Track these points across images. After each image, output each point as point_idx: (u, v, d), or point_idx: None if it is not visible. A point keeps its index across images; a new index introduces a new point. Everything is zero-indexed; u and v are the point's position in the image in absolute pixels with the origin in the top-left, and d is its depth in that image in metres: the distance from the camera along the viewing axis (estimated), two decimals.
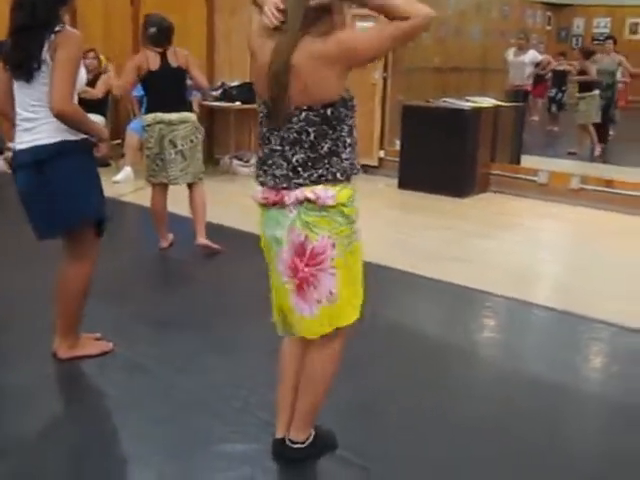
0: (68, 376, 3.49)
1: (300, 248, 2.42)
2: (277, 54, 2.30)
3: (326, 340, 2.57)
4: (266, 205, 2.49)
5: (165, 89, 5.18)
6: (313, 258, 2.42)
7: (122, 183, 7.65)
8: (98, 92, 8.28)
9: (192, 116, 5.27)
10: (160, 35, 5.13)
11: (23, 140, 3.22)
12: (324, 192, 2.37)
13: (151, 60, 5.14)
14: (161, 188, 5.40)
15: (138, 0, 9.15)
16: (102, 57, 8.83)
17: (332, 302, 2.47)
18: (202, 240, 5.31)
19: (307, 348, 2.63)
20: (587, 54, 10.26)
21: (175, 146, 5.21)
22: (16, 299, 4.34)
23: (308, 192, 2.37)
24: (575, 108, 10.38)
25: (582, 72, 10.09)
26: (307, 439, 2.69)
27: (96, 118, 7.59)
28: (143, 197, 7.15)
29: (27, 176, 3.23)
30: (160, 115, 5.19)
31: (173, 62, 5.13)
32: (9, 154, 7.93)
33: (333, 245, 2.42)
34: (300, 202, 2.39)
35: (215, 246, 5.31)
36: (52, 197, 3.21)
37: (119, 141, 8.55)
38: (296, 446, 2.68)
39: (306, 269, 2.44)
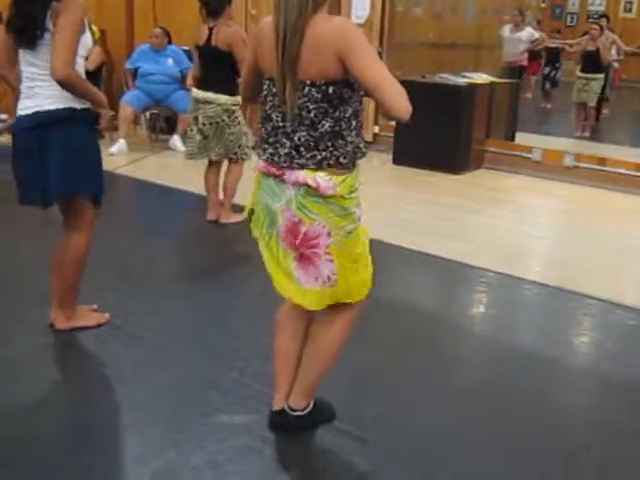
0: (66, 346, 3.50)
1: (294, 228, 2.42)
2: (291, 27, 2.27)
3: (337, 314, 2.59)
4: (266, 174, 2.48)
5: (204, 66, 5.21)
6: (307, 241, 2.42)
7: (116, 155, 7.62)
8: (91, 64, 8.21)
9: (221, 98, 5.12)
10: (206, 6, 5.09)
11: (25, 106, 3.20)
12: (326, 182, 2.34)
13: (201, 35, 5.16)
14: (209, 163, 5.45)
15: None
16: (95, 28, 8.76)
17: (330, 285, 2.48)
18: (225, 220, 5.38)
19: (314, 321, 2.66)
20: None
21: (197, 123, 5.24)
22: (12, 267, 4.37)
23: (310, 179, 2.35)
24: (584, 88, 9.89)
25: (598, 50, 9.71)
26: (306, 407, 2.72)
27: None
28: (137, 170, 7.18)
29: (27, 140, 3.20)
30: (195, 92, 5.27)
31: (214, 41, 5.07)
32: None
33: (329, 234, 2.40)
34: (300, 185, 2.38)
35: (232, 220, 5.35)
36: (49, 164, 3.18)
37: (113, 113, 8.49)
38: (296, 414, 2.71)
39: (301, 248, 2.43)
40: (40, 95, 3.16)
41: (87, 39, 3.21)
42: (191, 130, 5.35)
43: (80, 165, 3.24)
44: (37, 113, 3.17)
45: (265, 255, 2.60)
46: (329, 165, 2.36)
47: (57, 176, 3.20)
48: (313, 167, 2.36)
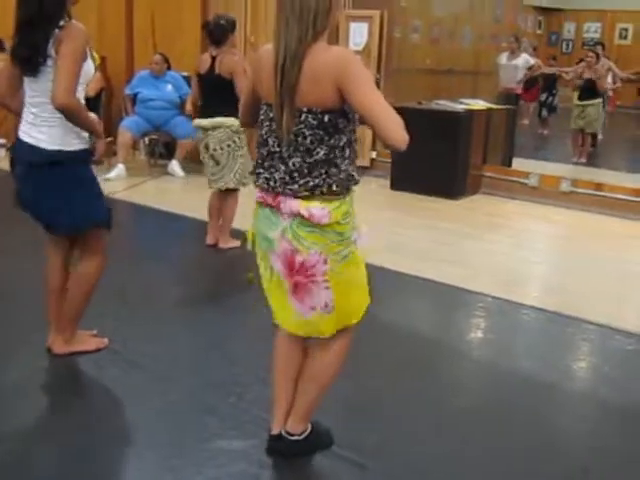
0: (64, 371, 3.50)
1: (290, 258, 2.44)
2: (291, 55, 2.30)
3: (331, 339, 2.60)
4: (263, 204, 2.51)
5: (207, 94, 5.28)
6: (304, 270, 2.43)
7: (114, 181, 7.64)
8: (90, 90, 8.26)
9: (228, 121, 5.16)
10: (209, 34, 5.18)
11: (26, 132, 3.21)
12: (319, 211, 2.37)
13: (203, 63, 5.24)
14: (214, 190, 5.48)
15: None
16: (95, 55, 8.82)
17: (327, 312, 2.50)
18: (223, 245, 5.45)
19: (310, 346, 2.66)
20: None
21: (208, 150, 5.28)
22: (16, 287, 4.37)
23: (303, 209, 2.37)
24: (581, 115, 9.88)
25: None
26: (303, 432, 2.72)
27: None
28: (135, 194, 7.19)
29: (25, 173, 3.24)
30: (198, 121, 5.32)
31: (216, 69, 5.13)
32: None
33: (325, 261, 2.42)
34: (294, 215, 2.40)
35: (230, 245, 5.42)
36: (46, 201, 3.24)
37: (111, 139, 8.54)
38: (293, 438, 2.71)
39: (298, 277, 2.45)
40: (41, 128, 3.17)
41: (89, 67, 3.23)
42: (203, 158, 5.38)
43: (80, 202, 3.26)
44: (34, 148, 3.18)
45: (265, 286, 2.63)
46: (322, 193, 2.37)
47: (56, 216, 3.27)
48: (306, 194, 2.37)
